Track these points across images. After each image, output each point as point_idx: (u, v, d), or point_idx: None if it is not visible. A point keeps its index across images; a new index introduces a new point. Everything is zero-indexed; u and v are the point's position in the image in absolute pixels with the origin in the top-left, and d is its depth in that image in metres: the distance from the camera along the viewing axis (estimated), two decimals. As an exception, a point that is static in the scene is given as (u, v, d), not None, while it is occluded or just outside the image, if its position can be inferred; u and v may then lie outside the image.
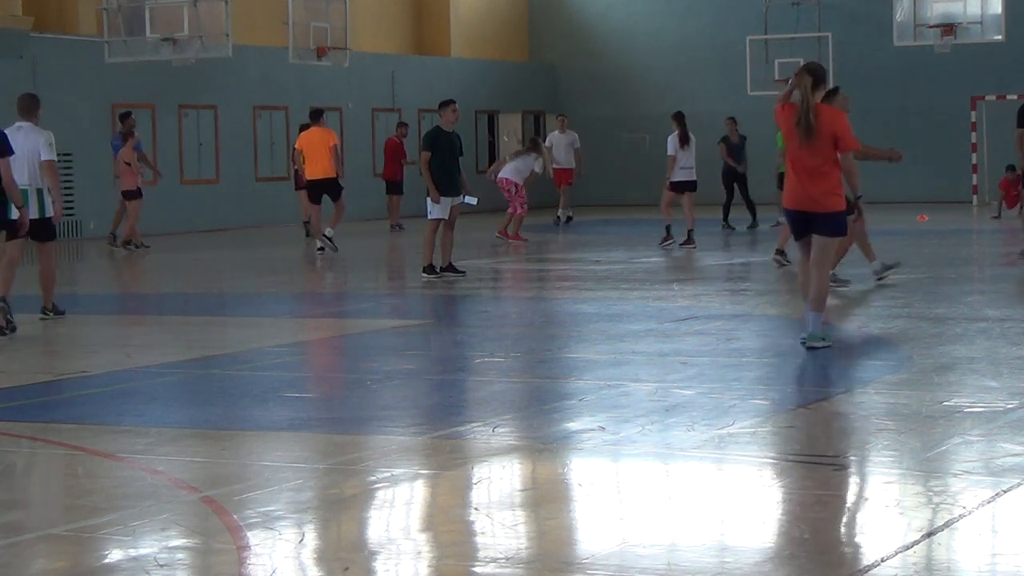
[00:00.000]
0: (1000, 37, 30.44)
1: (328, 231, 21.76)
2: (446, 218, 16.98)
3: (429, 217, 17.05)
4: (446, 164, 16.89)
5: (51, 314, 13.52)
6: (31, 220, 12.77)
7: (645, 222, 28.88)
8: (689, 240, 21.34)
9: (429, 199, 16.94)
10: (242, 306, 15.85)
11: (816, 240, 10.45)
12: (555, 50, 38.45)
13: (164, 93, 28.26)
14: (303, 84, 31.15)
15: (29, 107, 13.36)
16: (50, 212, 13.22)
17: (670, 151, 21.93)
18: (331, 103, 31.06)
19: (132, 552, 5.74)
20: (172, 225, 25.63)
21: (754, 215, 25.95)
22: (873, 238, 15.47)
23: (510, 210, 23.17)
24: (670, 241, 21.44)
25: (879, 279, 15.16)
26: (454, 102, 17.32)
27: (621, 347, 11.09)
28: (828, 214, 10.38)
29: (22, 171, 12.83)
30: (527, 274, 18.91)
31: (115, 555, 5.74)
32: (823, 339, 10.51)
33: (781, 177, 26.97)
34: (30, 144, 13.00)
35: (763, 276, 16.69)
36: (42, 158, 13.10)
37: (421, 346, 11.96)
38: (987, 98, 33.30)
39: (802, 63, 11.24)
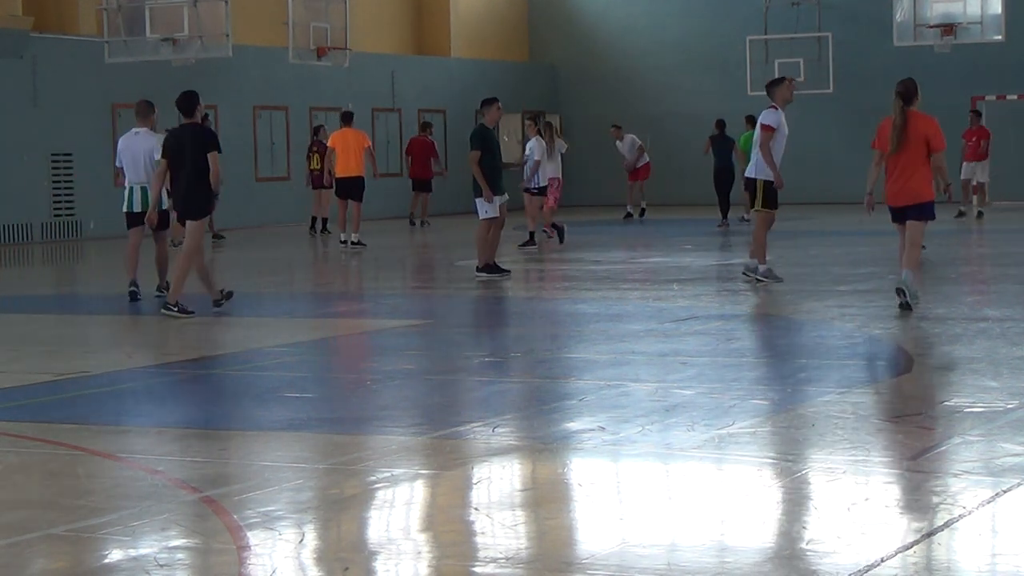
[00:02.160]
0: (1000, 37, 30.42)
1: (354, 236, 22.84)
2: (499, 216, 16.87)
3: (482, 217, 16.79)
4: (494, 163, 16.74)
5: (166, 292, 14.58)
6: (144, 213, 14.61)
7: (645, 221, 28.89)
8: (532, 241, 21.96)
9: (480, 199, 16.75)
10: (242, 306, 15.85)
11: (910, 224, 12.66)
12: (555, 50, 38.45)
13: (164, 93, 28.16)
14: (303, 84, 31.14)
15: (145, 112, 15.23)
16: (165, 205, 14.71)
17: (537, 155, 22.21)
18: (331, 103, 31.08)
19: (132, 552, 5.74)
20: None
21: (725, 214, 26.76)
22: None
23: (551, 204, 23.70)
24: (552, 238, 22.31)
25: (758, 280, 15.23)
26: (498, 100, 17.09)
27: (621, 347, 11.09)
28: (921, 204, 12.64)
29: (138, 171, 14.90)
30: (527, 274, 18.90)
31: (115, 555, 5.74)
32: (915, 295, 12.59)
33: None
34: (146, 147, 14.85)
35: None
36: (156, 158, 14.57)
37: (421, 346, 11.95)
38: (987, 98, 33.27)
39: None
